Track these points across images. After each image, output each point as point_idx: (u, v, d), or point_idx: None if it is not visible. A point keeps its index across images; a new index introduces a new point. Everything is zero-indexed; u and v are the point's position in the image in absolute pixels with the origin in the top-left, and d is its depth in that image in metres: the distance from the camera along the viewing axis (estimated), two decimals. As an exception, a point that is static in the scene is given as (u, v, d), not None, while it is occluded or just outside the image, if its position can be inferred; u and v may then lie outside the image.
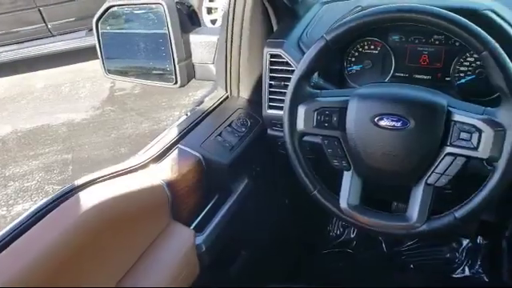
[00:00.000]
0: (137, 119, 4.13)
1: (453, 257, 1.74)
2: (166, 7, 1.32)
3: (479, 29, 0.86)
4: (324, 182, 1.07)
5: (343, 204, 1.01)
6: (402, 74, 1.28)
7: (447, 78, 1.23)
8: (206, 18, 4.87)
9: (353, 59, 1.33)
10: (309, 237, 1.89)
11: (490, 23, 1.05)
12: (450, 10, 0.90)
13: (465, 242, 1.74)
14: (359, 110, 0.97)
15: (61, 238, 0.86)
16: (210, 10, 4.89)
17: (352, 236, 1.88)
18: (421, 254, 1.78)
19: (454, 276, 1.71)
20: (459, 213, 0.91)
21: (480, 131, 0.87)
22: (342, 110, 1.00)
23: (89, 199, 0.94)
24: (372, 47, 1.30)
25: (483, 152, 0.88)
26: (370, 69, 1.31)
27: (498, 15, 1.06)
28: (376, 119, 0.95)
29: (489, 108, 0.90)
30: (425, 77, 1.26)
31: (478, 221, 1.59)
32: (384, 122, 0.95)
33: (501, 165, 0.86)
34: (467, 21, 0.87)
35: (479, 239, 1.73)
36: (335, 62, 1.33)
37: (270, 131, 1.35)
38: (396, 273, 1.77)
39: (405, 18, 0.91)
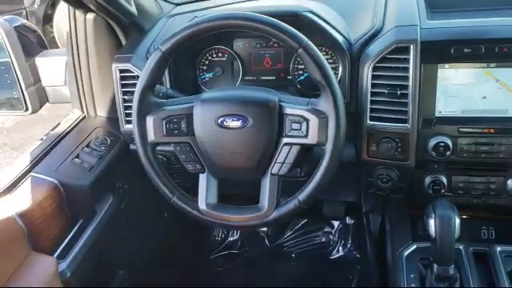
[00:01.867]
0: (11, 154, 3.83)
1: (328, 240, 1.88)
2: (2, 33, 1.27)
3: (292, 29, 0.95)
4: (191, 189, 1.10)
5: (202, 205, 1.05)
6: (250, 78, 1.37)
7: (289, 77, 1.34)
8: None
9: (204, 67, 1.39)
10: (194, 245, 1.91)
11: (310, 24, 1.16)
12: (271, 15, 0.97)
13: (336, 224, 1.89)
14: (204, 114, 1.02)
15: None
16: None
17: (236, 237, 1.94)
18: (300, 243, 1.90)
19: (331, 258, 1.84)
20: (301, 196, 0.99)
21: (307, 120, 0.96)
22: (189, 116, 1.03)
23: None
24: (220, 55, 1.37)
25: (312, 138, 0.97)
26: (221, 75, 1.38)
27: (318, 16, 1.18)
28: (219, 121, 1.00)
29: (312, 99, 0.99)
30: (270, 77, 1.36)
31: (344, 203, 1.74)
32: (227, 123, 1.00)
33: (328, 148, 0.96)
34: (281, 22, 0.95)
35: (348, 220, 1.88)
36: (189, 72, 1.37)
37: (131, 146, 1.35)
38: (279, 264, 1.86)
39: (226, 24, 0.97)
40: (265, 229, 1.96)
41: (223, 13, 0.98)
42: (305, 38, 0.95)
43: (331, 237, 1.88)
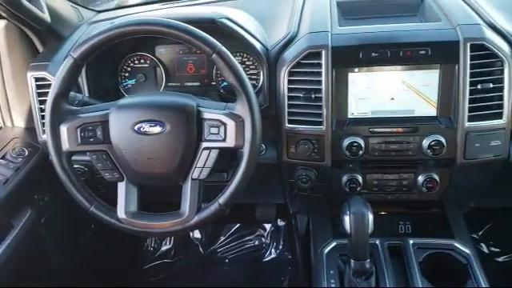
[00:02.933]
0: None
1: (260, 243, 1.91)
2: None
3: (205, 34, 0.96)
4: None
5: (121, 214, 1.03)
6: (174, 84, 1.37)
7: (213, 83, 1.35)
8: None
9: (126, 74, 1.37)
10: (125, 256, 1.87)
11: (228, 30, 1.18)
12: (188, 21, 0.98)
13: (268, 227, 1.92)
14: (120, 121, 1.00)
15: None
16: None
17: (169, 246, 1.92)
18: (233, 248, 1.91)
19: (264, 260, 1.87)
20: (222, 199, 1.00)
21: (225, 124, 0.98)
22: (105, 123, 1.01)
23: None
24: (142, 61, 1.36)
25: (230, 142, 0.98)
26: (144, 82, 1.37)
27: (235, 22, 1.20)
28: (136, 127, 0.99)
29: (230, 103, 1.00)
30: (194, 83, 1.37)
31: (274, 205, 1.78)
32: (144, 129, 0.99)
33: (245, 150, 0.97)
34: (194, 28, 0.96)
35: (279, 222, 1.92)
36: (110, 79, 1.35)
37: (51, 156, 1.30)
38: (213, 270, 1.86)
39: (139, 30, 0.96)
40: (198, 236, 1.96)
41: (136, 19, 0.97)
42: (218, 44, 0.96)
43: (264, 239, 1.91)
